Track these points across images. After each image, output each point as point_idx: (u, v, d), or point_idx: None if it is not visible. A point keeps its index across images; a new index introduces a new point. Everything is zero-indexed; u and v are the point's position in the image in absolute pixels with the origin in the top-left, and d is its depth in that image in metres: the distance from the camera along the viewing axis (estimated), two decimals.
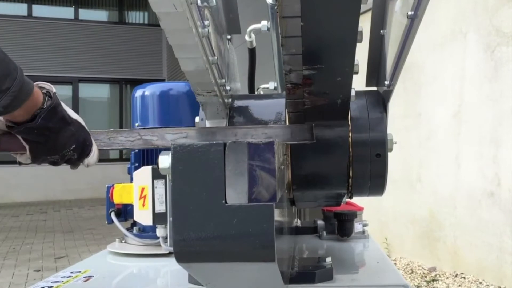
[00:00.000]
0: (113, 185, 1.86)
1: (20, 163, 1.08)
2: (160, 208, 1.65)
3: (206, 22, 0.94)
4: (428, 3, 0.91)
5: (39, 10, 14.12)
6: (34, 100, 0.95)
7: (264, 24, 1.61)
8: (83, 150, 1.05)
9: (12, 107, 0.90)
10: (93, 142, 1.08)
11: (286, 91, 1.10)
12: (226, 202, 0.82)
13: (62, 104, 1.03)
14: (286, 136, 1.17)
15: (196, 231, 0.81)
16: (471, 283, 4.09)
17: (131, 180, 1.90)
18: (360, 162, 1.26)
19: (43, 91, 0.98)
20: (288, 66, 0.98)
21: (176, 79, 11.72)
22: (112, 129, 1.12)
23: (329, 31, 0.87)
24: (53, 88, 1.01)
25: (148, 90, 2.00)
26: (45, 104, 0.96)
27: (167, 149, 1.12)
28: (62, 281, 1.41)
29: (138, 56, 14.37)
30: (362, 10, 0.79)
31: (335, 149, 1.27)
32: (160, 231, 1.67)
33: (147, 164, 1.87)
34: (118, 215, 1.88)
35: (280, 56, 1.70)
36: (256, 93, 1.84)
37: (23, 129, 0.95)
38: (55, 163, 1.06)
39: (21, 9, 13.93)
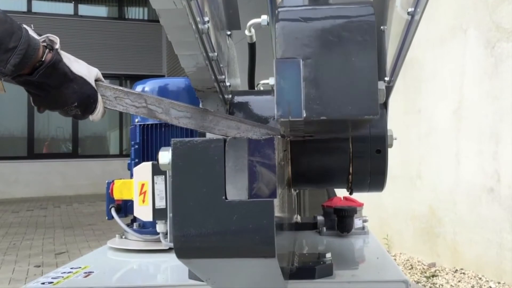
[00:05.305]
0: (113, 181, 1.86)
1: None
2: (160, 204, 1.65)
3: (206, 19, 0.94)
4: None
5: (38, 6, 14.09)
6: (37, 55, 0.93)
7: (264, 18, 1.60)
8: (87, 107, 1.02)
9: (22, 65, 0.89)
10: (99, 98, 1.04)
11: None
12: (226, 198, 0.82)
13: (67, 57, 1.00)
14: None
15: (196, 227, 0.82)
16: (471, 278, 4.10)
17: (131, 176, 1.90)
18: (360, 158, 1.26)
19: (43, 44, 0.95)
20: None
21: (176, 75, 11.71)
22: (121, 88, 1.08)
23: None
24: (57, 42, 0.97)
25: (148, 86, 1.99)
26: (44, 57, 0.94)
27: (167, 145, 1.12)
28: (62, 277, 1.41)
29: (138, 52, 14.34)
30: None
31: (335, 145, 1.27)
32: (160, 227, 1.67)
33: (147, 160, 1.87)
34: (118, 211, 1.88)
35: None
36: (256, 88, 1.83)
37: (23, 79, 0.94)
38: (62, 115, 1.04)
39: (20, 5, 13.89)
